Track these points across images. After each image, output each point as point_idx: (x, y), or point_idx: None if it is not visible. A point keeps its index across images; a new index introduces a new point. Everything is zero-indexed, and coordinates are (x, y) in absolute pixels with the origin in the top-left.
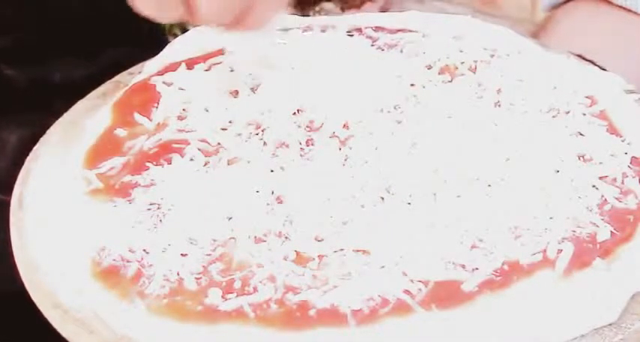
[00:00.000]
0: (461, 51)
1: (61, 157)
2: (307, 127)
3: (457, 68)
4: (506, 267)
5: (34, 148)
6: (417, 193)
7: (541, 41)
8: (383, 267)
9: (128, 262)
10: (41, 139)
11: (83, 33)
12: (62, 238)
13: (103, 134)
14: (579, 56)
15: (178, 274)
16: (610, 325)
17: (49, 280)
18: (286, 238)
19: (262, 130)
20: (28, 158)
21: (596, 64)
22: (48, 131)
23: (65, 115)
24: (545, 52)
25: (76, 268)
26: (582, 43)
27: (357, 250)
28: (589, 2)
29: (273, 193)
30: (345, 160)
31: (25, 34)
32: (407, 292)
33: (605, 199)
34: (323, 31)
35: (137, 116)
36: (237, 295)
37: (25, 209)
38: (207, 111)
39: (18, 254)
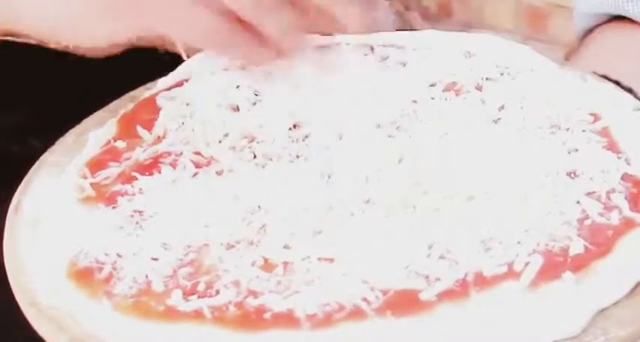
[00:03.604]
0: (470, 68)
1: (62, 167)
2: (300, 140)
3: (463, 86)
4: (469, 278)
5: (40, 157)
6: (396, 205)
7: (568, 61)
8: (345, 274)
9: (102, 264)
10: (48, 150)
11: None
12: (47, 241)
13: (104, 145)
14: (604, 76)
15: (147, 276)
16: (573, 338)
17: (30, 280)
18: (257, 245)
19: (255, 143)
20: (33, 168)
21: (620, 85)
22: (57, 142)
23: (76, 127)
24: (559, 71)
25: (54, 269)
26: (610, 65)
27: (323, 259)
28: (621, 25)
29: (253, 202)
30: (330, 172)
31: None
32: (364, 299)
33: (587, 214)
34: (336, 47)
35: (139, 129)
36: (198, 297)
37: (20, 213)
38: (205, 124)
39: (7, 255)
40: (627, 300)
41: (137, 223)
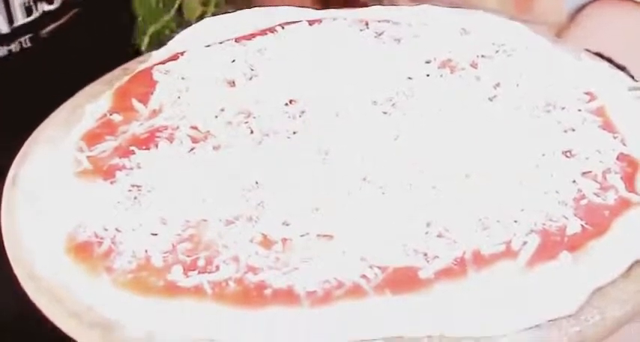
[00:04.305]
0: (466, 46)
1: (58, 140)
2: (297, 117)
3: (458, 63)
4: (467, 256)
5: (35, 130)
6: (393, 182)
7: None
8: (344, 252)
9: (101, 239)
10: (43, 123)
11: None
12: (45, 215)
13: (100, 118)
14: (597, 54)
15: (147, 251)
16: (569, 316)
17: (28, 253)
18: (255, 221)
19: (252, 118)
20: (28, 140)
21: (613, 63)
22: (51, 115)
23: (70, 99)
24: (554, 49)
25: (52, 243)
26: (603, 42)
27: (322, 235)
28: (612, 2)
29: (251, 178)
30: (328, 149)
31: None
32: (363, 276)
33: (583, 194)
34: (331, 23)
35: (134, 102)
36: (198, 273)
37: (17, 187)
38: (201, 99)
39: (5, 229)
40: (623, 280)
41: (135, 198)
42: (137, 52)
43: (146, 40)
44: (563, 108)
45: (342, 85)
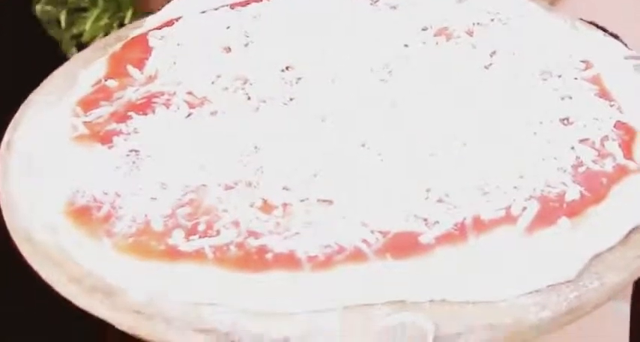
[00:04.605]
0: (461, 13)
1: (53, 105)
2: (293, 83)
3: (454, 30)
4: (467, 222)
5: (29, 96)
6: (391, 149)
7: (554, 8)
8: (344, 217)
9: (100, 203)
10: (37, 89)
11: None
12: (42, 180)
13: (95, 84)
14: (591, 23)
15: (146, 215)
16: (568, 282)
17: (25, 217)
18: (255, 186)
19: (248, 85)
20: (22, 105)
21: (607, 32)
22: (44, 81)
23: (64, 65)
24: (549, 17)
25: (50, 207)
26: (595, 11)
27: (322, 200)
28: None
29: (249, 143)
30: (325, 115)
31: None
32: (364, 241)
33: (581, 161)
34: None
35: (129, 68)
36: (199, 237)
37: (12, 152)
38: (197, 65)
39: (1, 192)
40: (621, 246)
41: (134, 162)
42: None
43: None
44: (559, 76)
45: (338, 51)
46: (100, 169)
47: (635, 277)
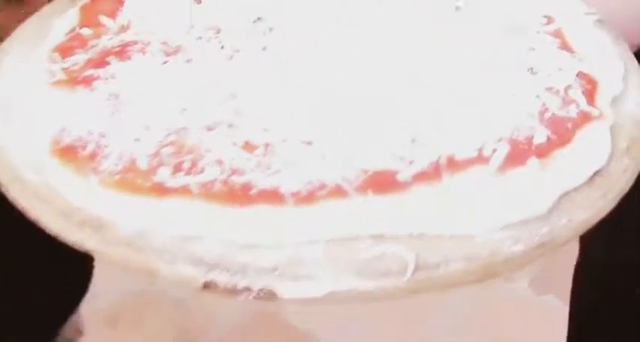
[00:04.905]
0: None
1: (27, 54)
2: (266, 33)
3: None
4: (441, 161)
5: (1, 45)
6: (364, 93)
7: None
8: (324, 157)
9: (86, 142)
10: (9, 38)
11: None
12: (25, 122)
13: (69, 32)
14: None
15: (132, 154)
16: (539, 218)
17: (10, 158)
18: (236, 127)
19: (221, 34)
20: None
21: None
22: (16, 30)
23: (35, 15)
24: None
25: (36, 147)
26: None
27: (302, 141)
28: None
29: (226, 89)
30: (299, 63)
31: None
32: (345, 178)
33: (547, 108)
34: None
35: (102, 18)
36: (185, 174)
37: None
38: (169, 15)
39: None
40: (587, 187)
41: (115, 106)
42: None
43: None
44: (523, 29)
45: (308, 2)
46: (83, 110)
47: (601, 216)
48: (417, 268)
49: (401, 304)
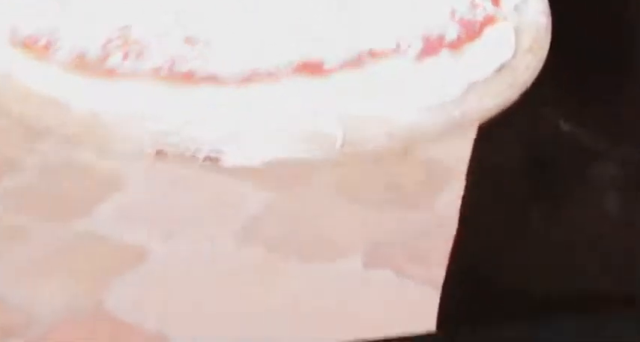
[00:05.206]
0: None
1: None
2: None
3: None
4: (363, 53)
5: None
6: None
7: None
8: (259, 48)
9: (41, 35)
10: None
11: None
12: None
13: None
14: None
15: (83, 47)
16: (452, 102)
17: None
18: (174, 28)
19: None
20: None
21: None
22: None
23: None
24: None
25: None
26: None
27: (238, 36)
28: None
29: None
30: None
31: None
32: (276, 67)
33: (456, 11)
34: None
35: None
36: (135, 60)
37: None
38: None
39: None
40: (494, 78)
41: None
42: None
43: None
44: None
45: None
46: (30, 9)
47: (507, 104)
48: (344, 143)
49: None
